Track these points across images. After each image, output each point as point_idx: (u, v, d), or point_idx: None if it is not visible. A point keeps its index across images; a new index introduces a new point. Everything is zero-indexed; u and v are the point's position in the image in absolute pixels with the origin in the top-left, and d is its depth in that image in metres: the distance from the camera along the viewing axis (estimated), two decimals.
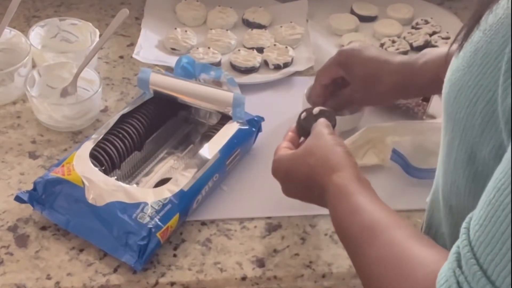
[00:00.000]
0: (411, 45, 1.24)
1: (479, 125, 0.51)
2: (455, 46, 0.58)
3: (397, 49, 1.22)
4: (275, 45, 1.20)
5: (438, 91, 0.61)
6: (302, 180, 0.78)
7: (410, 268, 0.55)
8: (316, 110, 0.88)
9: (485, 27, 0.52)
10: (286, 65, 1.17)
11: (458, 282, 0.47)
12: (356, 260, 0.65)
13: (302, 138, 0.87)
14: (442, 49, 0.95)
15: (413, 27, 1.30)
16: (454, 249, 0.49)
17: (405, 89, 0.93)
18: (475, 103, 0.51)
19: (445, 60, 0.61)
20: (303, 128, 0.86)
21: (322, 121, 0.83)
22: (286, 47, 1.19)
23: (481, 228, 0.46)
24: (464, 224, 0.49)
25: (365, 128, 0.96)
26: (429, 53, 0.92)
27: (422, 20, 1.31)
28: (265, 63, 1.17)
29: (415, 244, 0.58)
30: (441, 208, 0.64)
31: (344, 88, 0.97)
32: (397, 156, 0.96)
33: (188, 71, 1.03)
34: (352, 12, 1.33)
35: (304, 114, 0.88)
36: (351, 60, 0.95)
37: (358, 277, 0.64)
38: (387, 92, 0.94)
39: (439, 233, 0.67)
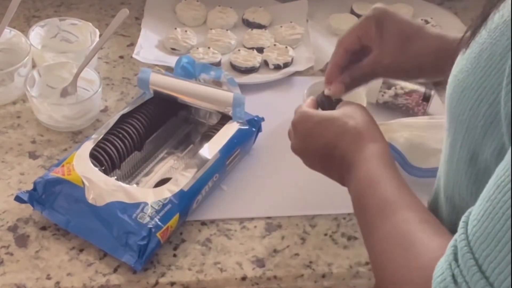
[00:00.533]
0: None
1: (482, 126, 0.52)
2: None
3: None
4: (275, 45, 1.20)
5: None
6: (328, 138, 0.74)
7: (416, 252, 0.55)
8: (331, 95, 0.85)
9: (491, 28, 0.52)
10: (286, 65, 1.17)
11: (453, 275, 0.47)
12: (367, 233, 0.65)
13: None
14: None
15: None
16: (452, 242, 0.49)
17: (435, 62, 0.82)
18: (479, 105, 0.52)
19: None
20: (324, 104, 0.84)
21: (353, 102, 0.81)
22: (286, 47, 1.19)
23: (479, 223, 0.46)
24: (463, 218, 0.49)
25: None
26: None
27: (422, 20, 1.31)
28: (265, 63, 1.17)
29: (426, 229, 0.58)
30: (443, 207, 0.65)
31: (363, 60, 0.85)
32: (393, 151, 0.95)
33: (188, 71, 1.03)
34: (352, 12, 1.33)
35: (328, 91, 0.85)
36: (387, 18, 0.83)
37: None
38: (418, 59, 0.82)
39: None
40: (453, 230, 0.63)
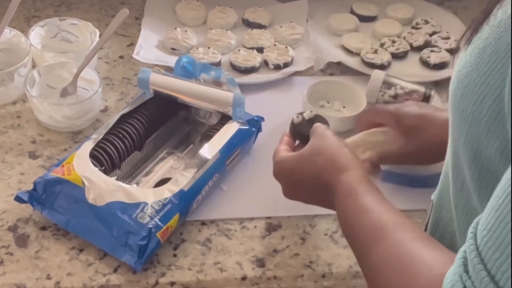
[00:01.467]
0: (411, 45, 1.24)
1: (486, 123, 0.51)
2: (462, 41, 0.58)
3: (397, 49, 1.22)
4: (275, 45, 1.20)
5: None
6: (307, 180, 0.78)
7: (416, 271, 0.55)
8: (307, 114, 0.88)
9: (494, 23, 0.51)
10: (286, 65, 1.17)
11: (465, 287, 0.46)
12: (362, 260, 0.65)
13: (297, 142, 0.88)
14: None
15: (413, 27, 1.30)
16: (460, 253, 0.49)
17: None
18: (482, 100, 0.51)
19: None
20: (298, 132, 0.87)
21: (320, 124, 0.84)
22: (286, 47, 1.19)
23: (489, 233, 0.45)
24: (470, 229, 0.49)
25: (369, 131, 0.95)
26: None
27: (422, 20, 1.31)
28: (265, 63, 1.17)
29: (422, 246, 0.58)
30: (452, 204, 0.64)
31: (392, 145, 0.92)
32: (389, 176, 0.96)
33: (188, 71, 1.03)
34: (352, 12, 1.33)
35: (297, 119, 0.88)
36: (402, 114, 0.91)
37: (363, 277, 0.64)
38: (430, 145, 0.88)
39: (448, 230, 0.66)
40: (464, 229, 0.62)
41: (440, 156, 0.80)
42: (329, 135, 0.80)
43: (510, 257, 0.43)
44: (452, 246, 0.63)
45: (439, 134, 0.83)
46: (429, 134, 0.88)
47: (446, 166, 0.66)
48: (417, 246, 0.58)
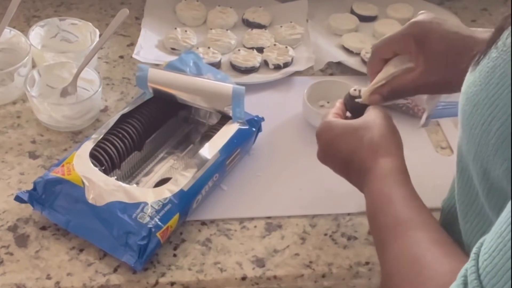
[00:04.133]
0: None
1: (493, 145, 0.50)
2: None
3: None
4: (275, 45, 1.20)
5: None
6: (346, 151, 0.76)
7: (426, 276, 0.55)
8: (364, 90, 0.84)
9: (503, 47, 0.51)
10: (286, 65, 1.17)
11: None
12: (380, 251, 0.65)
13: (348, 114, 0.86)
14: None
15: None
16: (462, 271, 0.49)
17: None
18: (490, 122, 0.51)
19: None
20: (352, 105, 0.84)
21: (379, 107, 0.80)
22: (286, 47, 1.19)
23: (489, 258, 0.46)
24: (474, 249, 0.48)
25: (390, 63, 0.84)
26: None
27: None
28: (265, 63, 1.17)
29: (437, 251, 0.58)
30: (460, 211, 0.63)
31: (407, 75, 0.80)
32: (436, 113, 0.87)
33: (199, 68, 1.03)
34: (352, 12, 1.33)
35: (354, 92, 0.84)
36: (428, 34, 0.77)
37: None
38: (457, 73, 0.73)
39: (454, 238, 0.65)
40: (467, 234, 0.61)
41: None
42: (384, 116, 0.77)
43: (508, 284, 0.43)
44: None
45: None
46: (458, 61, 0.71)
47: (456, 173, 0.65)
48: (431, 250, 0.58)
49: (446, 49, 0.76)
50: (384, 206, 0.67)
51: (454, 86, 0.70)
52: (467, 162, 0.57)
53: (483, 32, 0.77)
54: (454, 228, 0.67)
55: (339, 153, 0.77)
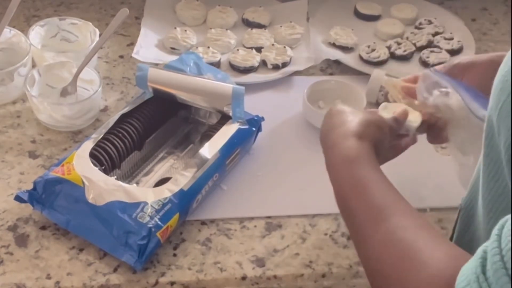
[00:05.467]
0: (414, 45, 1.24)
1: None
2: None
3: (405, 50, 1.21)
4: (273, 45, 1.20)
5: None
6: (331, 124, 0.76)
7: (422, 261, 0.53)
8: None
9: None
10: (284, 65, 1.17)
11: None
12: (361, 243, 0.62)
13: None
14: None
15: (416, 27, 1.30)
16: (479, 253, 0.47)
17: None
18: None
19: None
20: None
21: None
22: (285, 47, 1.19)
23: None
24: (495, 231, 0.47)
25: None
26: None
27: (425, 20, 1.31)
28: (264, 63, 1.17)
29: (426, 236, 0.56)
30: (482, 208, 0.61)
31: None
32: (462, 87, 0.81)
33: (199, 68, 1.03)
34: (356, 11, 1.34)
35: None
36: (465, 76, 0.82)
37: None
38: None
39: (475, 236, 0.64)
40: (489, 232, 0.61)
41: None
42: (378, 120, 0.77)
43: None
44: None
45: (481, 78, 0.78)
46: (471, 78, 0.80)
47: (477, 172, 0.64)
48: (419, 236, 0.56)
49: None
50: (357, 193, 0.64)
51: None
52: (498, 151, 0.54)
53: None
54: (470, 227, 0.66)
55: (327, 123, 0.78)
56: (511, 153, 0.49)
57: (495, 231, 0.47)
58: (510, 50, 0.49)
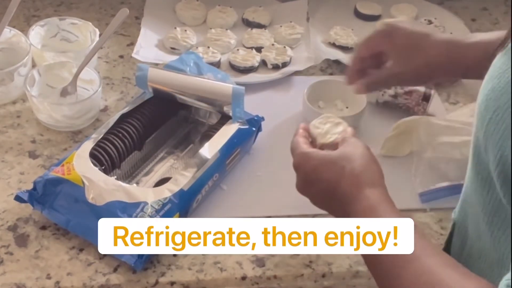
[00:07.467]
0: None
1: None
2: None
3: None
4: (273, 45, 1.20)
5: (481, 76, 0.57)
6: (328, 182, 0.72)
7: None
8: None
9: None
10: (284, 65, 1.17)
11: None
12: (384, 283, 0.63)
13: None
14: (495, 33, 0.85)
15: None
16: (503, 283, 0.48)
17: (447, 66, 0.86)
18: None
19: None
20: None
21: (352, 132, 0.80)
22: (284, 47, 1.19)
23: None
24: (504, 282, 0.48)
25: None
26: (480, 35, 0.86)
27: (425, 20, 1.30)
28: (264, 63, 1.17)
29: (452, 273, 0.57)
30: (482, 221, 0.61)
31: (383, 65, 0.92)
32: (429, 194, 0.93)
33: (199, 67, 1.03)
34: (356, 11, 1.34)
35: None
36: (395, 31, 0.90)
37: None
38: (428, 66, 0.87)
39: (475, 246, 0.65)
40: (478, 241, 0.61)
41: (425, 79, 0.93)
42: (362, 146, 0.75)
43: None
44: (481, 261, 0.62)
45: (427, 56, 0.86)
46: (418, 55, 0.87)
47: (466, 188, 0.64)
48: (446, 273, 0.57)
49: (406, 44, 0.88)
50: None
51: (415, 78, 0.91)
52: (491, 175, 0.55)
53: (440, 34, 0.89)
54: (467, 240, 0.67)
55: (320, 184, 0.74)
56: (502, 166, 0.50)
57: (504, 282, 0.48)
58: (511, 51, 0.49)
